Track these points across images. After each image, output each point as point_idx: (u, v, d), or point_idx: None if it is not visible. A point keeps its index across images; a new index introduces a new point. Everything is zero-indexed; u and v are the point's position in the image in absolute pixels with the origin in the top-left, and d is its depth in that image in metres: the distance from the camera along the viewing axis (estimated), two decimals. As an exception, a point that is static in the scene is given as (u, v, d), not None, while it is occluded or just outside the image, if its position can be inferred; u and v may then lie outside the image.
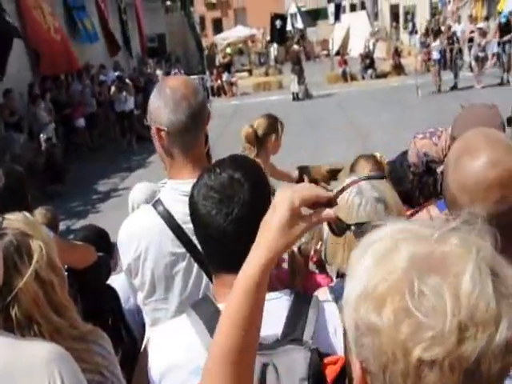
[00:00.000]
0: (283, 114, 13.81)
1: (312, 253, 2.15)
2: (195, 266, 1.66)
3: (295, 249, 1.99)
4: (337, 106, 15.95)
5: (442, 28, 22.68)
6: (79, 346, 1.26)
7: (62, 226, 8.80)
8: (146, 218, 1.72)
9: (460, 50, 17.36)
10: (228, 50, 25.11)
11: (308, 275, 2.14)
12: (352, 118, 13.73)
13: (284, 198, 0.90)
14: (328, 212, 0.91)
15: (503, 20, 16.26)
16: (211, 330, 1.16)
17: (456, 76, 16.12)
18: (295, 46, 20.69)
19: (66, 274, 2.70)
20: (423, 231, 0.71)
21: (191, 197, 1.29)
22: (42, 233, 1.33)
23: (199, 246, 1.57)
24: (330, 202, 0.92)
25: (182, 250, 1.65)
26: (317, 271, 2.31)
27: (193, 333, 1.20)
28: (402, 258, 0.68)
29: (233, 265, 1.20)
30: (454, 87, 15.82)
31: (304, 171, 3.39)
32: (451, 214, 1.10)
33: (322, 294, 1.55)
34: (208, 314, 1.22)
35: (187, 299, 1.65)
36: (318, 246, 2.10)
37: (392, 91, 17.42)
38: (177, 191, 1.70)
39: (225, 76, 21.85)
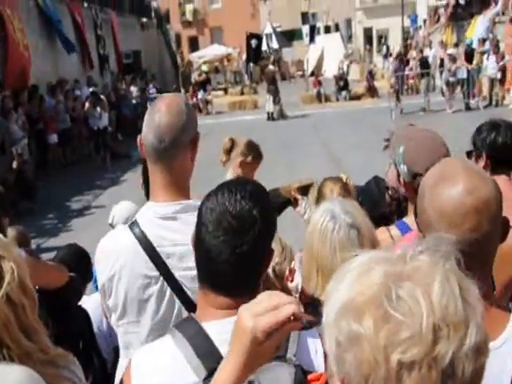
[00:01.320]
0: (258, 134, 13.84)
1: (287, 273, 2.16)
2: (168, 290, 1.65)
3: (269, 270, 2.00)
4: (311, 126, 16.14)
5: (414, 53, 23.28)
6: (49, 370, 1.24)
7: (32, 244, 8.61)
8: (121, 239, 1.72)
9: (428, 74, 17.86)
10: (204, 68, 25.21)
11: None
12: (326, 139, 13.90)
13: (246, 331, 0.90)
14: (291, 324, 0.91)
15: (468, 45, 16.83)
16: (196, 348, 1.18)
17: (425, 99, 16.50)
18: (270, 67, 20.90)
19: (36, 294, 2.66)
20: (394, 254, 0.76)
21: (202, 208, 1.27)
22: (14, 254, 1.30)
23: (173, 271, 1.61)
24: (295, 316, 0.91)
25: (156, 273, 1.64)
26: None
27: (178, 352, 1.20)
28: (378, 276, 0.72)
29: (223, 288, 1.23)
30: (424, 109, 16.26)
31: (275, 193, 3.42)
32: (424, 237, 1.15)
33: None
34: (192, 332, 1.22)
35: (159, 323, 1.65)
36: (293, 265, 2.17)
37: (366, 113, 17.73)
38: (153, 214, 1.69)
39: (200, 94, 21.89)
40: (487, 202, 1.16)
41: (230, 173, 3.50)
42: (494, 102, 15.97)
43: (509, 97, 15.76)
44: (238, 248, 1.21)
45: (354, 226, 1.57)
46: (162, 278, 1.65)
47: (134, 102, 18.55)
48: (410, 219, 1.99)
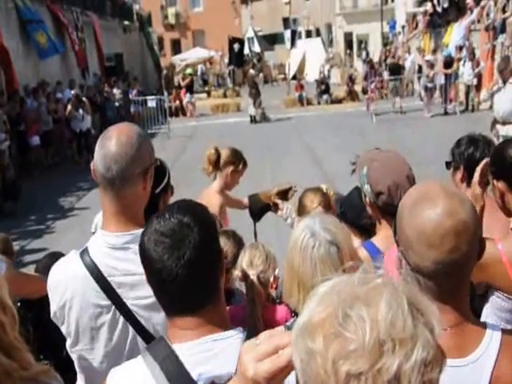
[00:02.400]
0: (241, 137, 13.93)
1: (272, 280, 2.20)
2: (121, 319, 1.66)
3: (254, 277, 2.06)
4: (293, 129, 16.32)
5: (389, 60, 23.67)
6: None
7: (15, 245, 8.61)
8: (71, 268, 1.71)
9: (396, 79, 18.30)
10: (188, 71, 25.24)
11: (268, 307, 2.17)
12: (309, 142, 14.07)
13: (247, 378, 0.93)
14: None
15: (445, 54, 17.20)
16: (167, 372, 1.22)
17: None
18: (251, 71, 21.01)
19: (19, 304, 2.68)
20: (355, 278, 0.83)
21: (141, 243, 1.32)
22: None
23: (125, 300, 1.64)
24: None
25: (107, 302, 1.65)
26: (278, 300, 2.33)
27: (149, 376, 1.23)
28: (334, 298, 0.80)
29: (185, 308, 1.29)
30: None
31: (254, 198, 3.58)
32: (404, 257, 1.26)
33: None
34: (163, 356, 1.25)
35: (113, 350, 1.67)
36: (276, 272, 2.20)
37: (347, 117, 17.98)
38: (104, 243, 1.69)
39: (187, 97, 21.88)
40: (466, 225, 1.19)
41: (217, 182, 3.50)
42: (470, 107, 16.34)
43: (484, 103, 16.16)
44: (182, 258, 1.25)
45: (333, 242, 1.60)
46: (113, 307, 1.65)
47: (116, 104, 18.53)
48: (377, 239, 2.06)
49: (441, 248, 1.18)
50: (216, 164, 3.44)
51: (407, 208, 1.26)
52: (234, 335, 1.30)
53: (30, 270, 6.10)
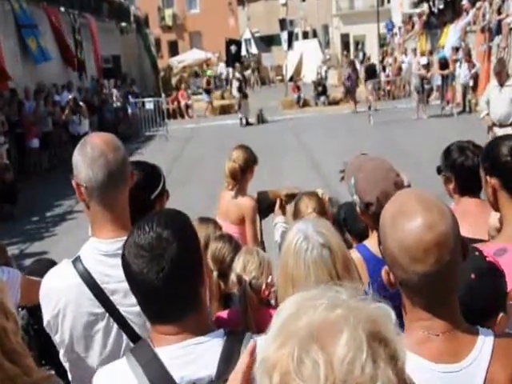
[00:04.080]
0: (238, 139, 13.97)
1: (264, 287, 2.23)
2: (115, 326, 1.66)
3: (247, 284, 2.10)
4: (291, 131, 16.35)
5: (390, 60, 23.78)
6: None
7: (15, 249, 8.64)
8: (64, 277, 1.71)
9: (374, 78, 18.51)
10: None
11: (261, 310, 2.19)
12: (306, 144, 14.12)
13: None
14: None
15: (440, 57, 17.28)
16: (149, 374, 1.26)
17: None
18: (236, 74, 20.87)
19: (23, 311, 2.69)
20: (322, 302, 0.80)
21: (123, 255, 1.35)
22: None
23: (118, 307, 1.66)
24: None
25: (101, 309, 1.65)
26: (272, 303, 2.36)
27: (132, 378, 1.26)
28: (294, 334, 0.77)
29: (166, 317, 1.32)
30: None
31: (263, 195, 3.72)
32: (392, 272, 1.28)
33: None
34: (146, 359, 1.28)
35: (108, 358, 1.65)
36: (269, 280, 2.24)
37: (345, 118, 18.03)
38: (96, 250, 1.70)
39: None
40: (447, 235, 1.21)
41: (242, 187, 3.68)
42: (467, 109, 16.41)
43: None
44: (161, 273, 1.27)
45: (326, 245, 1.63)
46: (107, 315, 1.65)
47: (115, 105, 18.54)
48: (370, 242, 2.06)
49: (425, 261, 1.20)
50: (239, 175, 3.61)
51: (387, 224, 1.27)
52: (215, 338, 1.32)
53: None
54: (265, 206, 3.69)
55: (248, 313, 2.05)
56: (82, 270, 1.68)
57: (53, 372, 2.63)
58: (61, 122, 14.39)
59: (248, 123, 18.46)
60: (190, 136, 17.47)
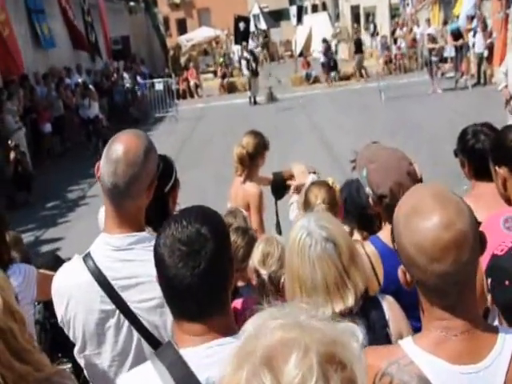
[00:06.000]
0: (248, 118, 13.76)
1: (282, 280, 2.18)
2: (126, 323, 1.66)
3: (266, 277, 2.09)
4: (301, 109, 16.19)
5: (404, 29, 23.30)
6: None
7: (30, 236, 8.74)
8: (74, 274, 1.72)
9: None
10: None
11: (280, 301, 2.19)
12: (316, 122, 13.97)
13: None
14: None
15: (452, 28, 16.88)
16: (175, 376, 1.25)
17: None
18: (245, 53, 20.68)
19: (40, 305, 2.71)
20: (277, 322, 0.81)
21: (156, 246, 1.33)
22: None
23: (129, 303, 1.66)
24: None
25: (112, 306, 1.65)
26: None
27: (158, 380, 1.25)
28: (246, 359, 0.78)
29: (194, 315, 1.31)
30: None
31: (278, 176, 3.79)
32: (408, 272, 1.25)
33: None
34: (171, 361, 1.27)
35: (120, 355, 1.68)
36: None
37: (355, 94, 17.78)
38: (107, 246, 1.69)
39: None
40: (465, 233, 1.17)
41: (251, 173, 3.66)
42: (482, 81, 16.07)
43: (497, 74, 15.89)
44: (197, 268, 1.26)
45: (329, 239, 1.62)
46: (118, 312, 1.65)
47: (125, 87, 18.49)
48: (383, 234, 2.02)
49: (443, 261, 1.16)
50: (247, 161, 3.59)
51: (401, 224, 1.24)
52: (228, 343, 1.31)
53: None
54: (280, 186, 3.71)
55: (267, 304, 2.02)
56: (92, 266, 1.67)
57: (69, 365, 2.68)
58: (72, 105, 14.41)
59: (256, 102, 18.28)
60: (200, 116, 17.39)
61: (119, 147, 1.68)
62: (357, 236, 2.49)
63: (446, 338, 1.21)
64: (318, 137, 12.43)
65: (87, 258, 1.71)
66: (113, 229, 1.71)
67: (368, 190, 2.04)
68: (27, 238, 8.60)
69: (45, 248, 8.00)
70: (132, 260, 1.67)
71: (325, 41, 22.20)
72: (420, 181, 2.06)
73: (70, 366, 2.68)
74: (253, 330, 0.82)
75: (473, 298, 1.25)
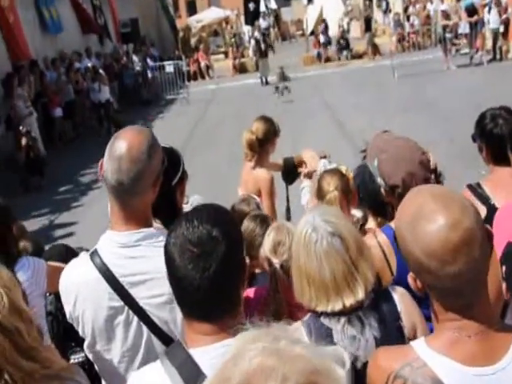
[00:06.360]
0: (260, 98, 13.63)
1: None
2: (135, 319, 1.66)
3: (278, 266, 2.06)
4: (314, 89, 16.01)
5: (417, 6, 22.81)
6: None
7: (45, 220, 8.80)
8: (82, 271, 1.71)
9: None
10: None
11: (292, 289, 2.20)
12: (329, 101, 13.82)
13: None
14: None
15: (468, 3, 16.49)
16: (185, 376, 1.24)
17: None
18: (256, 33, 20.48)
19: (52, 297, 2.72)
20: (254, 349, 0.79)
21: (167, 245, 1.32)
22: (2, 277, 1.28)
23: (138, 300, 1.64)
24: None
25: (120, 303, 1.65)
26: None
27: (167, 380, 1.25)
28: (230, 377, 0.77)
29: (204, 315, 1.30)
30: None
31: (288, 161, 3.75)
32: (418, 278, 1.21)
33: (296, 330, 1.63)
34: (181, 361, 1.27)
35: (129, 351, 1.68)
36: None
37: (368, 72, 17.54)
38: (114, 243, 1.68)
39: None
40: (472, 231, 1.14)
41: (261, 158, 3.61)
42: (497, 56, 15.74)
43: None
44: (207, 271, 1.25)
45: (335, 234, 1.61)
46: (127, 308, 1.65)
47: (135, 70, 18.42)
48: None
49: (455, 262, 1.13)
50: (256, 147, 3.55)
51: (406, 230, 1.20)
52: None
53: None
54: (291, 171, 3.68)
55: (278, 295, 2.02)
56: (99, 263, 1.67)
57: (82, 354, 2.68)
58: (84, 89, 14.40)
59: (267, 82, 18.12)
60: (211, 98, 17.29)
61: (122, 144, 1.65)
62: (371, 222, 2.44)
63: (459, 338, 1.18)
64: (330, 116, 12.31)
65: (94, 255, 1.70)
66: (119, 226, 1.70)
67: (380, 180, 2.01)
68: (41, 222, 8.67)
69: (59, 232, 8.06)
70: (139, 257, 1.66)
71: (323, 20, 22.47)
72: (434, 171, 2.01)
73: (83, 355, 2.68)
74: (232, 354, 0.80)
75: (487, 296, 1.21)
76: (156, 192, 1.73)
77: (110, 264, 1.66)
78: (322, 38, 21.89)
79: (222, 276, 1.27)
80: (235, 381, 0.75)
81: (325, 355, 0.80)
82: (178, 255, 1.28)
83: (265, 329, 0.85)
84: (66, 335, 2.84)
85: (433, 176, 2.01)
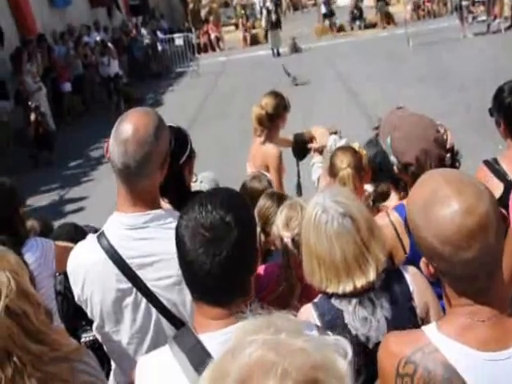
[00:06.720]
0: (272, 70, 13.42)
1: None
2: (143, 301, 1.66)
3: (289, 240, 2.03)
4: (326, 60, 15.72)
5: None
6: (63, 367, 1.27)
7: (55, 195, 8.80)
8: (89, 253, 1.71)
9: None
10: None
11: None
12: (342, 72, 13.56)
13: None
14: None
15: None
16: (194, 364, 1.22)
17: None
18: (268, 3, 20.11)
19: (60, 276, 2.72)
20: (253, 342, 0.77)
21: (178, 227, 1.30)
22: (9, 261, 1.28)
23: (145, 281, 1.63)
24: None
25: (128, 285, 1.65)
26: None
27: (176, 365, 1.24)
28: (228, 371, 0.74)
29: (214, 300, 1.27)
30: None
31: (299, 137, 3.73)
32: (431, 264, 1.17)
33: (307, 311, 1.63)
34: (190, 346, 1.26)
35: (138, 332, 1.69)
36: None
37: (382, 42, 17.15)
38: (121, 225, 1.68)
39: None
40: (488, 215, 1.11)
41: (270, 133, 3.60)
42: (516, 23, 15.28)
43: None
44: (217, 256, 1.23)
45: (346, 214, 1.59)
46: (135, 290, 1.65)
47: (145, 43, 18.23)
48: None
49: (469, 248, 1.10)
50: (266, 122, 3.54)
51: (419, 215, 1.17)
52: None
53: (70, 219, 6.20)
54: (301, 147, 3.67)
55: (290, 271, 2.00)
56: (106, 246, 1.66)
57: (92, 333, 2.66)
58: (93, 63, 14.28)
59: (279, 54, 17.84)
60: (222, 70, 17.07)
61: (128, 126, 1.63)
62: (394, 197, 2.37)
63: (472, 323, 1.15)
64: (343, 87, 12.09)
65: (101, 237, 1.69)
66: (126, 207, 1.68)
67: (393, 158, 1.97)
68: (51, 197, 8.68)
69: (69, 207, 8.06)
70: (147, 238, 1.65)
71: None
72: (451, 149, 1.95)
73: (93, 333, 2.69)
74: (231, 346, 0.79)
75: (501, 280, 1.19)
76: (164, 173, 1.71)
77: (117, 246, 1.65)
78: (323, 9, 21.35)
79: (233, 262, 1.25)
80: (234, 375, 0.73)
81: (326, 347, 0.78)
82: (189, 239, 1.26)
83: (266, 318, 0.82)
84: (77, 314, 2.84)
85: (449, 155, 1.96)
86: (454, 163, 1.99)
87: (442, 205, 1.13)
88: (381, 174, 2.47)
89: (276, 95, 3.63)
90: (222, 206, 1.27)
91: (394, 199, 2.26)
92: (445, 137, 1.95)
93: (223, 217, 1.25)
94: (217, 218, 1.25)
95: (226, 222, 1.25)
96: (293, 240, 2.04)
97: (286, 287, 1.99)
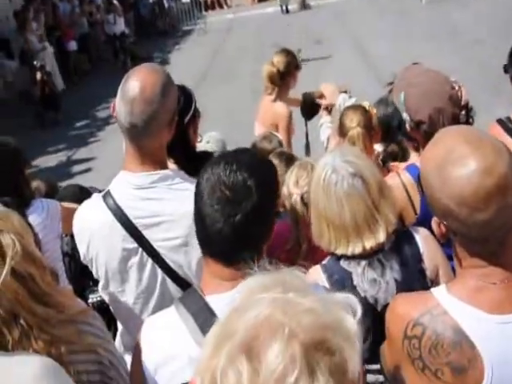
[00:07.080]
0: (280, 28, 13.11)
1: None
2: (149, 261, 1.65)
3: (298, 198, 2.00)
4: (336, 17, 15.32)
5: None
6: (69, 329, 1.27)
7: (62, 156, 8.79)
8: (95, 213, 1.69)
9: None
10: None
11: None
12: (353, 30, 13.23)
13: None
14: None
15: None
16: (201, 325, 1.21)
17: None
18: None
19: (67, 237, 2.72)
20: (259, 301, 0.75)
21: (200, 179, 1.29)
22: (14, 223, 1.27)
23: (152, 242, 1.61)
24: None
25: (134, 244, 1.63)
26: None
27: (182, 326, 1.23)
28: (225, 343, 0.73)
29: (223, 258, 1.25)
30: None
31: (307, 96, 3.68)
32: (445, 225, 1.13)
33: (315, 273, 1.60)
34: (196, 308, 1.24)
35: (144, 292, 1.68)
36: None
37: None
38: (128, 184, 1.65)
39: None
40: (507, 176, 1.06)
41: (281, 91, 3.58)
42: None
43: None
44: (232, 218, 1.21)
45: (357, 175, 1.55)
46: (140, 250, 1.64)
47: (151, 0, 17.84)
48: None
49: (486, 210, 1.06)
50: (277, 80, 3.54)
51: (434, 176, 1.12)
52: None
53: (77, 180, 6.20)
54: (310, 107, 3.64)
55: (299, 227, 1.98)
56: (112, 205, 1.64)
57: (98, 295, 2.68)
58: (98, 21, 14.03)
59: (288, 11, 17.42)
60: (230, 27, 16.72)
61: (135, 84, 1.58)
62: (414, 156, 2.32)
63: (483, 286, 1.12)
64: (353, 43, 11.83)
65: (107, 196, 1.67)
66: (134, 166, 1.65)
67: (405, 115, 1.90)
68: (59, 158, 8.68)
69: (76, 168, 8.06)
70: (155, 198, 1.62)
71: None
72: (465, 107, 1.90)
73: (100, 294, 2.72)
74: (238, 305, 0.77)
75: None
76: (172, 132, 1.68)
77: (123, 205, 1.63)
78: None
79: (246, 227, 1.22)
80: (240, 335, 0.72)
81: (335, 306, 0.76)
82: (207, 192, 1.24)
83: (274, 276, 0.80)
84: (84, 275, 2.85)
85: (463, 112, 1.90)
86: (468, 120, 1.93)
87: (459, 164, 1.08)
88: (399, 133, 2.41)
89: (287, 53, 3.61)
90: (248, 168, 1.25)
91: (414, 159, 2.20)
92: (459, 93, 1.88)
93: (246, 179, 1.23)
94: (239, 179, 1.23)
95: (248, 186, 1.22)
96: (302, 198, 2.02)
97: (293, 246, 1.97)
